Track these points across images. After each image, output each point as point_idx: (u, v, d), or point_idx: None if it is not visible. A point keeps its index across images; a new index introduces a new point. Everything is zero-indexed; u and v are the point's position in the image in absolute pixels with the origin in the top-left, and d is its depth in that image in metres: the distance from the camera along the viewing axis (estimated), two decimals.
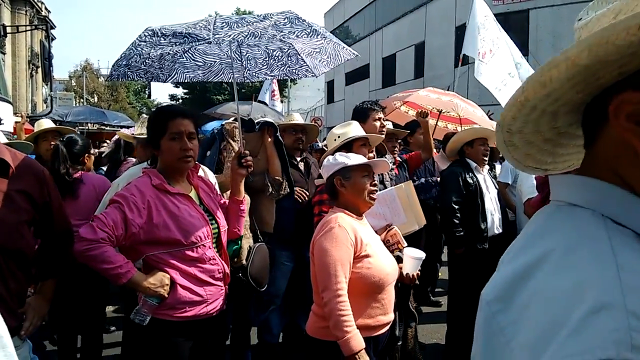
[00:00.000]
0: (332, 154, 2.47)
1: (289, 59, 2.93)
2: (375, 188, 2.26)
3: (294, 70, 2.99)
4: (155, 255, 2.04)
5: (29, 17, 28.55)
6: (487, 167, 4.17)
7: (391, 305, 2.22)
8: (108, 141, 6.57)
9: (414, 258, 2.34)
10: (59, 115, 12.35)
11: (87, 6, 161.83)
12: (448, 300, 4.21)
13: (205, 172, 2.81)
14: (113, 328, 4.51)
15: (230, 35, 2.50)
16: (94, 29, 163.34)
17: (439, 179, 4.61)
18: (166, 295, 2.01)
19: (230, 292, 2.52)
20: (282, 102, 16.79)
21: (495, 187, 4.17)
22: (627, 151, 0.57)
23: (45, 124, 4.40)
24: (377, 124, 3.42)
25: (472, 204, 3.88)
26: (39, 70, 28.94)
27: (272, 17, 2.65)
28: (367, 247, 2.12)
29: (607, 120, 0.59)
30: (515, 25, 18.52)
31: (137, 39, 2.57)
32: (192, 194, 2.21)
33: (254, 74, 3.02)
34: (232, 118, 3.39)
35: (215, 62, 2.84)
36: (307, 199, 3.51)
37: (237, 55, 2.76)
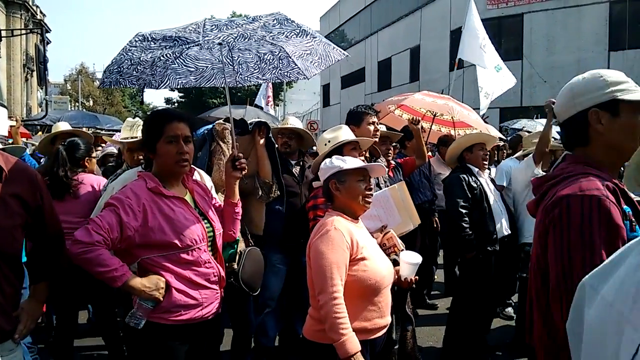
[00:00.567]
0: (323, 159, 2.48)
1: (281, 62, 2.94)
2: (370, 192, 2.26)
3: (285, 73, 2.99)
4: (150, 258, 2.04)
5: (24, 20, 28.45)
6: (487, 171, 4.19)
7: (388, 308, 2.22)
8: (103, 145, 6.55)
9: (410, 263, 2.34)
10: (51, 120, 12.32)
11: (82, 9, 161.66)
12: (452, 302, 4.18)
13: (201, 175, 2.81)
14: None
15: (219, 37, 2.51)
16: (90, 33, 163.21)
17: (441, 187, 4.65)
18: (161, 299, 2.00)
19: (226, 296, 2.52)
20: (277, 105, 16.82)
21: (497, 190, 4.19)
22: None
23: (62, 126, 4.57)
24: (372, 127, 3.43)
25: (479, 208, 3.89)
26: (34, 74, 28.87)
27: (261, 19, 2.66)
28: (363, 250, 2.12)
29: None
30: (510, 29, 18.66)
31: (127, 44, 2.57)
32: (187, 197, 2.21)
33: (246, 78, 3.03)
34: (223, 119, 3.38)
35: (207, 67, 2.85)
36: None
37: (228, 60, 2.77)
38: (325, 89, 35.75)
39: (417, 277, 2.38)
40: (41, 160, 7.07)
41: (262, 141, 3.33)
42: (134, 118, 4.14)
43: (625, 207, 1.47)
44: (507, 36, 18.96)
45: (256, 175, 3.34)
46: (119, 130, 9.91)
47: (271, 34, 2.63)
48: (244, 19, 2.71)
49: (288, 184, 3.55)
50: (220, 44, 2.59)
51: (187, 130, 2.15)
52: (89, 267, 1.91)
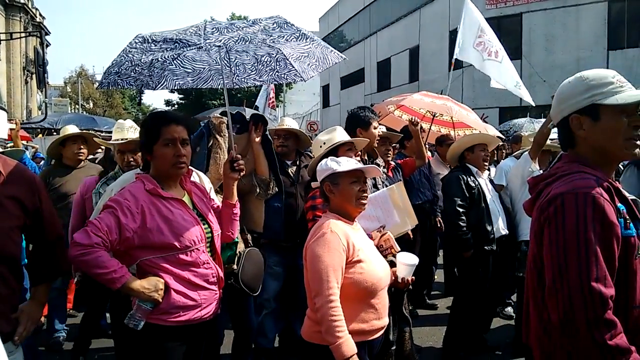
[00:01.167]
0: (319, 161, 2.49)
1: (278, 63, 2.95)
2: (365, 194, 2.26)
3: (282, 75, 3.00)
4: (149, 259, 2.04)
5: (23, 23, 28.51)
6: (487, 172, 4.20)
7: (385, 310, 2.22)
8: (102, 148, 6.56)
9: (407, 264, 2.34)
10: (49, 123, 12.31)
11: (82, 12, 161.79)
12: (452, 301, 4.19)
13: (200, 177, 2.82)
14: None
15: (220, 41, 2.52)
16: (89, 35, 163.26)
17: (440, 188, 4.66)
18: (160, 300, 2.01)
19: (227, 297, 2.52)
20: (277, 107, 16.84)
21: (496, 191, 4.20)
22: None
23: (71, 129, 4.60)
24: (377, 132, 3.46)
25: (476, 208, 3.90)
26: (34, 76, 28.85)
27: (261, 22, 2.67)
28: (359, 252, 2.12)
29: None
30: (508, 28, 18.66)
31: (127, 46, 2.58)
32: (186, 199, 2.21)
33: (243, 79, 3.04)
34: (219, 112, 3.38)
35: (204, 68, 2.86)
36: None
37: (225, 62, 2.77)
38: (325, 89, 35.76)
39: (414, 277, 2.38)
40: (41, 163, 7.08)
41: (258, 139, 3.33)
42: (133, 120, 4.15)
43: (619, 205, 1.48)
44: (506, 36, 18.92)
45: (253, 173, 3.34)
46: None
47: (271, 37, 2.65)
48: (244, 22, 2.73)
49: (284, 184, 3.56)
50: (221, 47, 2.60)
51: (185, 132, 2.15)
52: (87, 269, 1.92)
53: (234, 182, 2.43)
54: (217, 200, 2.52)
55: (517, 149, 5.38)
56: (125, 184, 2.29)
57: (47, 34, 31.35)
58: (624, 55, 16.18)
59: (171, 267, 2.06)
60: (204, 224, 2.20)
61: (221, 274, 2.25)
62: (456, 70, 7.21)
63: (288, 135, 3.77)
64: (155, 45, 2.53)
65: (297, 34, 2.67)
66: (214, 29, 2.59)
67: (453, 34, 19.14)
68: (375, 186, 3.33)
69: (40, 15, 32.30)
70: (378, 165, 3.80)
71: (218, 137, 3.20)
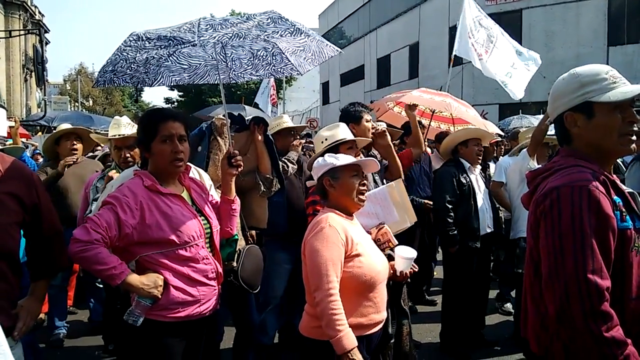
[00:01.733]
0: (321, 156, 2.49)
1: (274, 58, 2.95)
2: (364, 188, 2.27)
3: (279, 69, 3.00)
4: (148, 255, 2.04)
5: (22, 21, 28.46)
6: (479, 167, 4.22)
7: (383, 304, 2.23)
8: (102, 145, 6.55)
9: (405, 257, 2.35)
10: (46, 120, 12.32)
11: (81, 10, 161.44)
12: (442, 297, 4.25)
13: (200, 173, 2.82)
14: None
15: (215, 37, 2.51)
16: (89, 33, 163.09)
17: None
18: (159, 296, 2.01)
19: (228, 294, 2.52)
20: (277, 104, 16.84)
21: (486, 187, 4.22)
22: None
23: (64, 127, 4.66)
24: (369, 125, 3.45)
25: (465, 204, 3.94)
26: (33, 74, 28.88)
27: (255, 18, 2.66)
28: (357, 246, 2.13)
29: None
30: (508, 24, 18.54)
31: (122, 44, 2.58)
32: (184, 195, 2.22)
33: (239, 74, 3.04)
34: (222, 114, 3.40)
35: (200, 64, 2.86)
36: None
37: (221, 57, 2.77)
38: (325, 86, 35.72)
39: (412, 270, 2.38)
40: (39, 161, 7.08)
41: (260, 137, 3.34)
42: (134, 118, 4.15)
43: (615, 197, 1.49)
44: (505, 32, 18.93)
45: (256, 170, 3.35)
46: None
47: (266, 33, 2.64)
48: (238, 18, 2.72)
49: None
50: (216, 43, 2.60)
51: (182, 129, 2.15)
52: (87, 266, 1.93)
53: (231, 177, 2.43)
54: (217, 196, 2.52)
55: (516, 145, 5.38)
56: (124, 180, 2.30)
57: (47, 31, 31.31)
58: (624, 51, 16.15)
59: (170, 263, 2.06)
60: (203, 220, 2.21)
61: (220, 270, 2.26)
62: (456, 67, 7.23)
63: (294, 132, 3.89)
64: (150, 43, 2.52)
65: (292, 29, 2.66)
66: (208, 26, 2.58)
67: (453, 31, 19.06)
68: (375, 182, 3.34)
69: (40, 13, 32.24)
70: (374, 157, 3.81)
71: (219, 138, 3.20)
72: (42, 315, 4.00)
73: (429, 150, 5.71)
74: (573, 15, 17.18)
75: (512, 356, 4.00)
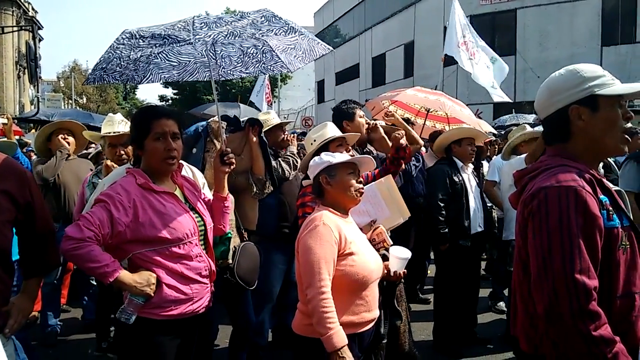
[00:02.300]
0: (311, 158, 2.50)
1: (264, 55, 2.95)
2: (360, 185, 2.29)
3: (269, 67, 3.01)
4: (141, 253, 2.04)
5: (15, 17, 28.27)
6: (471, 166, 4.24)
7: (375, 302, 2.24)
8: (95, 143, 6.52)
9: (399, 258, 2.36)
10: (46, 115, 12.24)
11: (75, 6, 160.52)
12: (434, 295, 4.28)
13: (193, 172, 2.82)
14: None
15: (210, 36, 2.51)
16: (83, 30, 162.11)
17: None
18: (152, 295, 2.01)
19: (224, 292, 2.51)
20: (272, 102, 16.81)
21: (478, 186, 4.24)
22: None
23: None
24: (362, 120, 3.48)
25: (457, 203, 3.97)
26: (26, 71, 28.70)
27: (249, 16, 2.66)
28: (351, 245, 2.14)
29: None
30: (503, 24, 18.70)
31: (114, 42, 2.57)
32: (177, 192, 2.21)
33: (229, 71, 3.04)
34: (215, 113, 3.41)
35: (189, 61, 2.85)
36: None
37: (211, 54, 2.77)
38: (320, 85, 35.71)
39: (405, 271, 2.40)
40: (32, 158, 7.03)
41: (255, 139, 3.35)
42: (128, 116, 4.14)
43: (602, 196, 1.50)
44: (500, 32, 19.01)
45: (250, 172, 3.36)
46: None
47: (260, 32, 2.64)
48: (232, 16, 2.72)
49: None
50: (206, 41, 2.59)
51: (175, 127, 2.15)
52: (80, 263, 1.92)
53: (224, 175, 2.43)
54: (210, 195, 2.52)
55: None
56: (116, 178, 2.29)
57: (40, 28, 31.11)
58: (618, 51, 16.26)
59: (164, 260, 2.06)
60: (196, 217, 2.21)
61: (213, 268, 2.26)
62: (450, 67, 7.28)
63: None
64: (144, 41, 2.51)
65: (286, 28, 2.66)
66: (203, 24, 2.57)
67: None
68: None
69: (33, 9, 32.03)
70: (370, 152, 3.82)
71: (215, 141, 3.21)
72: (35, 313, 3.98)
73: (423, 149, 5.73)
74: (567, 15, 17.27)
75: (504, 354, 4.03)
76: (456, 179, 4.00)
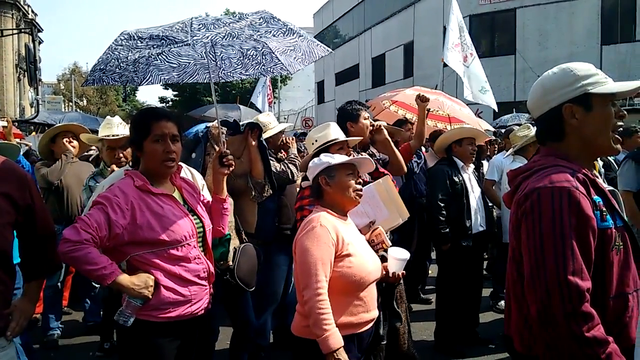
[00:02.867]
0: (312, 158, 2.50)
1: (264, 57, 2.96)
2: (359, 186, 2.29)
3: (268, 69, 3.01)
4: (139, 255, 2.04)
5: (15, 20, 28.29)
6: (472, 165, 4.24)
7: (374, 303, 2.24)
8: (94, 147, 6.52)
9: (398, 259, 2.36)
10: (53, 119, 12.26)
11: (75, 9, 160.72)
12: (436, 295, 4.28)
13: (192, 173, 2.82)
14: None
15: (208, 37, 2.51)
16: (83, 32, 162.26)
17: None
18: (150, 297, 2.01)
19: (224, 294, 2.50)
20: (273, 103, 16.81)
21: (479, 186, 4.24)
22: None
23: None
24: (367, 122, 3.45)
25: (458, 203, 3.96)
26: (27, 74, 28.75)
27: (247, 18, 2.66)
28: (348, 246, 2.14)
29: None
30: (502, 24, 18.70)
31: (113, 43, 2.57)
32: (176, 194, 2.22)
33: (229, 73, 3.04)
34: (215, 115, 3.41)
35: (189, 63, 2.86)
36: None
37: (211, 56, 2.77)
38: (320, 86, 35.70)
39: (404, 272, 2.39)
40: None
41: (254, 142, 3.34)
42: (128, 118, 4.15)
43: (595, 197, 1.50)
44: (500, 31, 19.01)
45: (249, 175, 3.36)
46: None
47: (258, 33, 2.64)
48: (230, 18, 2.72)
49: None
50: (207, 42, 2.60)
51: (175, 129, 2.15)
52: (77, 266, 1.92)
53: (223, 177, 2.43)
54: (210, 197, 2.52)
55: (509, 143, 5.41)
56: (115, 180, 2.29)
57: (40, 30, 31.15)
58: (617, 50, 16.24)
59: (161, 263, 2.06)
60: (195, 219, 2.21)
61: (212, 269, 2.26)
62: (450, 66, 7.26)
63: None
64: (142, 42, 2.52)
65: (284, 29, 2.67)
66: (201, 25, 2.58)
67: None
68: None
69: (33, 12, 32.06)
70: (373, 155, 3.81)
71: (216, 146, 3.21)
72: (37, 316, 3.99)
73: (423, 149, 5.73)
74: (566, 14, 17.26)
75: (506, 354, 4.01)
76: (456, 179, 4.00)
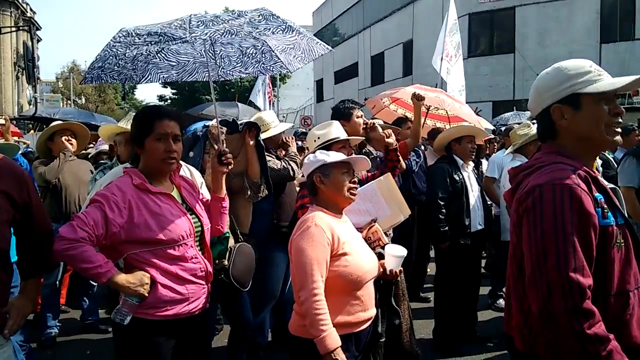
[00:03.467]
0: (311, 154, 2.49)
1: (263, 55, 2.95)
2: (355, 185, 2.27)
3: (268, 67, 3.00)
4: (136, 254, 2.04)
5: (13, 18, 28.23)
6: (471, 164, 4.24)
7: (371, 301, 2.23)
8: (94, 143, 6.50)
9: (395, 256, 2.35)
10: (47, 113, 12.22)
11: (74, 7, 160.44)
12: (434, 293, 4.28)
13: (191, 172, 2.81)
14: (107, 328, 4.48)
15: (206, 34, 2.50)
16: (81, 30, 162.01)
17: None
18: (146, 295, 2.00)
19: (220, 293, 2.49)
20: (272, 102, 16.76)
21: (479, 184, 4.24)
22: None
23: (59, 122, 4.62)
24: (360, 121, 3.46)
25: (457, 201, 3.96)
26: (25, 72, 28.70)
27: (246, 15, 2.65)
28: (344, 245, 2.12)
29: None
30: (501, 22, 18.69)
31: (111, 40, 2.56)
32: (174, 193, 2.20)
33: (228, 72, 3.03)
34: (213, 112, 3.39)
35: (189, 61, 2.85)
36: None
37: (210, 54, 2.76)
38: (319, 84, 35.68)
39: (402, 269, 2.39)
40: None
41: (252, 142, 3.34)
42: (127, 116, 4.12)
43: (597, 194, 1.50)
44: (499, 30, 19.00)
45: (245, 174, 3.35)
46: None
47: (257, 30, 2.63)
48: (229, 15, 2.71)
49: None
50: (206, 40, 2.58)
51: (177, 128, 2.14)
52: (73, 264, 1.91)
53: (222, 175, 2.42)
54: (207, 195, 2.51)
55: (509, 141, 5.40)
56: (114, 177, 2.28)
57: (38, 29, 31.08)
58: (616, 48, 16.25)
59: (158, 261, 2.05)
60: (193, 218, 2.20)
61: (209, 269, 2.25)
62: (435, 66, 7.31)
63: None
64: (140, 39, 2.50)
65: (283, 27, 2.66)
66: (199, 22, 2.56)
67: None
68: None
69: (31, 10, 31.99)
70: (370, 153, 3.81)
71: (215, 146, 3.20)
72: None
73: (423, 147, 5.71)
74: (566, 13, 17.25)
75: (504, 352, 4.02)
76: (456, 177, 4.00)
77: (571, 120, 1.54)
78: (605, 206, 1.49)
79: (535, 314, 1.44)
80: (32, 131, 12.48)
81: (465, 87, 7.57)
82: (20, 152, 6.24)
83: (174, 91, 37.40)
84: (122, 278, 1.95)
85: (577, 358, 1.39)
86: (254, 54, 2.95)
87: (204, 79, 2.92)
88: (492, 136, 6.66)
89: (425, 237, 5.37)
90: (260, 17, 2.64)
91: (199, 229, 2.22)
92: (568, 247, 1.39)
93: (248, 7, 2.80)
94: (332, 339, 1.96)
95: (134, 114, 3.64)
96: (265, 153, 3.46)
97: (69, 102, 42.66)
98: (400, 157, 3.65)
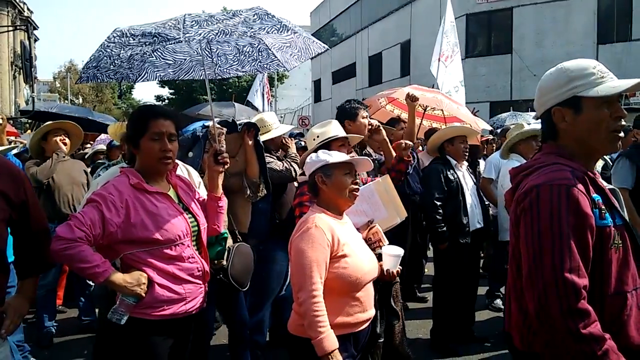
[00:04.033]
0: (313, 152, 2.48)
1: (260, 54, 2.95)
2: (357, 186, 2.26)
3: (265, 65, 3.00)
4: (133, 254, 2.03)
5: (10, 17, 28.14)
6: (465, 163, 4.25)
7: (370, 302, 2.23)
8: (92, 142, 6.49)
9: (392, 255, 2.34)
10: (45, 107, 12.16)
11: (71, 6, 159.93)
12: (433, 293, 4.28)
13: (188, 171, 2.80)
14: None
15: (200, 34, 2.50)
16: (79, 30, 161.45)
17: None
18: (143, 294, 2.00)
19: (218, 293, 2.48)
20: (270, 102, 16.74)
21: (474, 183, 4.25)
22: None
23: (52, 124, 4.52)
24: (365, 121, 3.45)
25: (454, 200, 3.97)
26: (22, 71, 28.61)
27: (241, 14, 2.64)
28: (344, 247, 2.12)
29: None
30: (499, 23, 18.72)
31: (105, 40, 2.56)
32: (171, 193, 2.20)
33: (225, 70, 3.03)
34: (218, 122, 3.39)
35: (185, 59, 2.85)
36: None
37: (207, 53, 2.76)
38: (317, 84, 35.66)
39: (400, 268, 2.39)
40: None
41: (250, 142, 3.34)
42: (124, 116, 4.11)
43: (594, 195, 1.50)
44: (496, 30, 19.03)
45: (244, 174, 3.34)
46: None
47: (252, 30, 2.62)
48: (224, 14, 2.70)
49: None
50: (201, 39, 2.58)
51: (173, 128, 2.14)
52: (70, 263, 1.91)
53: (218, 174, 2.41)
54: (204, 194, 2.51)
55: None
56: (111, 177, 2.27)
57: (35, 28, 30.98)
58: (613, 49, 16.29)
59: (155, 261, 2.05)
60: (190, 218, 2.19)
61: (207, 268, 2.24)
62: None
63: None
64: (134, 40, 2.50)
65: (278, 26, 2.65)
66: (193, 22, 2.56)
67: None
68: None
69: (29, 9, 31.90)
70: (369, 155, 3.81)
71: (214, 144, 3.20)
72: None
73: (420, 148, 5.72)
74: (563, 13, 17.29)
75: (502, 352, 4.03)
76: (451, 177, 4.01)
77: (572, 123, 1.54)
78: (603, 207, 1.49)
79: (531, 313, 1.44)
80: (29, 131, 12.41)
81: (464, 83, 7.57)
82: (15, 151, 6.23)
83: (171, 91, 37.33)
84: (119, 278, 1.95)
85: (573, 357, 1.40)
86: (250, 52, 2.95)
87: (201, 77, 2.92)
88: (490, 137, 6.67)
89: (421, 236, 5.39)
90: (255, 17, 2.63)
91: (196, 228, 2.22)
92: (564, 248, 1.39)
93: (245, 6, 2.79)
94: (330, 340, 1.96)
95: None
96: (267, 154, 3.46)
97: (66, 101, 42.53)
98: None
